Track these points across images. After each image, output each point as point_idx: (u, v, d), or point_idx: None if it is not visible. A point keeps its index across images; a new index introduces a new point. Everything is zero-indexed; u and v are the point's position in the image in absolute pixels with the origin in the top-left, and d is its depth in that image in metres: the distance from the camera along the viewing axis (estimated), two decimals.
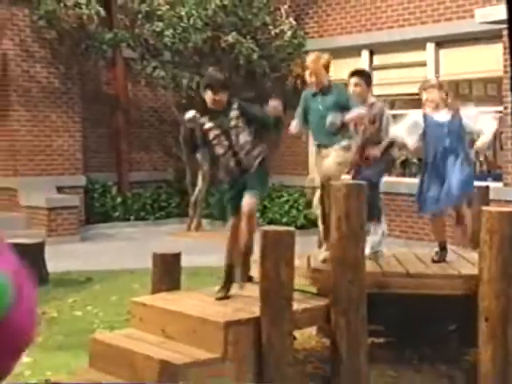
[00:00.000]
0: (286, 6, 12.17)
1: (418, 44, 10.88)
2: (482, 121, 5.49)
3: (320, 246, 5.40)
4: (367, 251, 5.32)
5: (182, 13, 11.17)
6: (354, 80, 5.61)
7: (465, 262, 5.33)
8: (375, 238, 5.56)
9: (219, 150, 4.87)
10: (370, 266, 4.95)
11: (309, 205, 11.45)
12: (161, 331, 4.56)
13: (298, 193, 11.89)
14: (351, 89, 5.59)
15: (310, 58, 5.33)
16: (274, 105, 4.86)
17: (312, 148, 5.47)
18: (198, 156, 11.86)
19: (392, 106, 10.88)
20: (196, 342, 4.33)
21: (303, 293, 4.96)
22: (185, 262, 5.24)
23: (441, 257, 5.38)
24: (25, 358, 4.06)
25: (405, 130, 5.49)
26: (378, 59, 11.25)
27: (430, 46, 10.85)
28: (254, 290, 4.66)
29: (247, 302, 4.70)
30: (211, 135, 4.86)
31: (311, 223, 10.95)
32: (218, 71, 5.08)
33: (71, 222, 11.16)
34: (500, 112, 10.08)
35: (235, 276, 4.93)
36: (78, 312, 6.57)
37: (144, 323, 4.71)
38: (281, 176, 11.93)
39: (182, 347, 4.32)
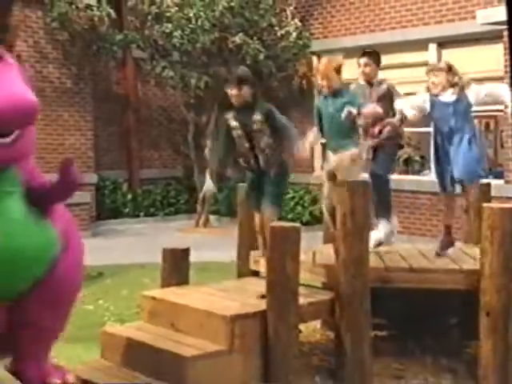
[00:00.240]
0: (291, 8, 12.15)
1: (420, 44, 10.84)
2: (493, 93, 5.35)
3: (326, 242, 5.38)
4: (371, 245, 5.32)
5: (191, 14, 11.17)
6: (363, 60, 5.59)
7: (467, 257, 5.30)
8: (378, 234, 5.53)
9: (240, 149, 4.86)
10: (373, 261, 4.94)
11: (314, 202, 11.47)
12: (170, 324, 4.56)
13: (303, 190, 11.89)
14: (361, 69, 5.56)
15: (321, 62, 5.31)
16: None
17: (318, 147, 5.41)
18: (206, 154, 11.87)
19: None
20: (204, 335, 4.32)
21: (308, 287, 4.94)
22: (193, 257, 5.23)
23: (442, 245, 5.30)
24: None
25: (409, 104, 5.42)
26: (382, 59, 11.19)
27: (433, 47, 10.81)
28: (260, 285, 4.65)
29: (254, 295, 4.70)
30: (234, 134, 4.84)
31: (316, 219, 10.95)
32: (243, 68, 5.04)
33: (83, 218, 11.17)
34: (500, 111, 10.04)
35: None
36: (89, 306, 6.58)
37: (153, 316, 4.71)
38: None
39: (190, 340, 4.32)
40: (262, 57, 11.28)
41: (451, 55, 10.63)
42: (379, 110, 5.19)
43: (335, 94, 5.18)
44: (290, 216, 11.59)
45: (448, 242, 5.39)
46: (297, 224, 4.69)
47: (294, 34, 11.77)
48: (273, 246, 4.36)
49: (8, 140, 3.13)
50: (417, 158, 11.48)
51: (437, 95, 5.28)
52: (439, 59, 10.74)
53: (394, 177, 5.74)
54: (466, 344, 5.29)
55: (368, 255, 4.71)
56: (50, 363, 3.72)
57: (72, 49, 11.81)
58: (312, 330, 5.77)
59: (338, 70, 5.20)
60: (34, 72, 11.38)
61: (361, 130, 5.32)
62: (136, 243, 10.51)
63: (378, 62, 5.69)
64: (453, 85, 5.23)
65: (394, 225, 5.69)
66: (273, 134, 4.77)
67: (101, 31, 11.68)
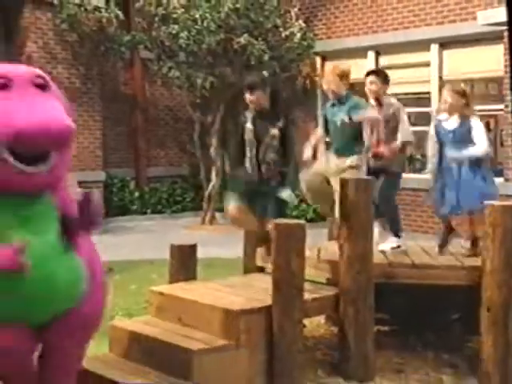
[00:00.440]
0: (295, 9, 12.13)
1: (422, 45, 10.82)
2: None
3: (330, 239, 5.37)
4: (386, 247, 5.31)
5: (197, 16, 11.16)
6: (369, 79, 5.51)
7: None
8: (389, 244, 5.47)
9: (247, 153, 4.84)
10: (377, 257, 4.93)
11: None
12: (177, 319, 4.56)
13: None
14: (367, 87, 5.51)
15: (326, 68, 5.29)
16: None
17: (322, 147, 5.37)
18: (212, 152, 11.87)
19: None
20: (210, 330, 4.33)
21: (313, 283, 4.94)
22: (200, 253, 5.23)
23: (471, 251, 5.19)
24: None
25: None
26: (384, 60, 11.19)
27: (434, 47, 10.79)
28: (266, 281, 4.65)
29: (259, 291, 4.70)
30: (247, 136, 4.82)
31: (320, 217, 10.94)
32: (259, 74, 5.03)
33: None
34: (501, 110, 10.02)
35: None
36: None
37: (161, 311, 4.71)
38: None
39: (197, 334, 4.32)
40: (266, 57, 11.26)
41: (452, 55, 10.64)
42: (379, 116, 5.19)
43: (340, 100, 5.17)
44: (294, 213, 11.58)
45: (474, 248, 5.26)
46: (301, 221, 4.69)
47: (298, 35, 11.75)
48: (278, 243, 4.35)
49: (46, 167, 3.13)
50: (418, 156, 11.45)
51: (441, 122, 5.29)
52: (441, 60, 10.73)
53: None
54: (467, 339, 5.28)
55: (372, 251, 4.70)
56: None
57: (81, 50, 11.82)
58: (316, 324, 5.77)
59: (342, 77, 5.16)
60: (44, 72, 11.38)
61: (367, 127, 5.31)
62: (144, 240, 10.52)
63: (384, 81, 5.54)
64: (462, 112, 5.19)
65: (402, 240, 5.61)
66: (281, 148, 4.75)
67: (109, 32, 11.68)
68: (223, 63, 11.45)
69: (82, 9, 11.45)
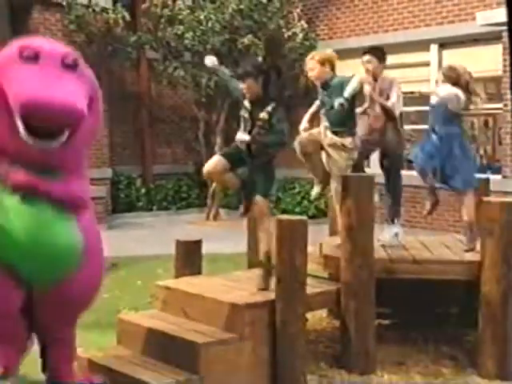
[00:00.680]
0: (298, 10, 12.11)
1: (422, 45, 10.80)
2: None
3: (332, 234, 5.36)
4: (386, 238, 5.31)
5: (202, 17, 11.15)
6: (366, 57, 5.45)
7: None
8: (387, 236, 5.46)
9: (241, 127, 4.75)
10: (378, 252, 4.92)
11: (319, 196, 11.44)
12: (183, 313, 4.56)
13: (309, 185, 11.84)
14: (364, 66, 5.46)
15: (307, 57, 5.24)
16: None
17: (323, 126, 5.29)
18: (217, 150, 11.85)
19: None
20: (215, 323, 4.33)
21: (315, 277, 4.94)
22: (204, 248, 5.23)
23: (470, 242, 5.13)
24: None
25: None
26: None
27: (434, 47, 10.77)
28: None
29: None
30: (242, 111, 4.74)
31: (322, 213, 10.93)
32: (251, 61, 4.94)
33: (99, 211, 11.17)
34: (499, 109, 9.99)
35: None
36: (105, 294, 6.56)
37: (167, 305, 4.71)
38: (293, 169, 11.87)
39: (202, 327, 4.32)
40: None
41: (452, 55, 10.60)
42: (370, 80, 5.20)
43: (325, 85, 5.12)
44: (296, 210, 11.58)
45: (471, 236, 5.19)
46: (304, 217, 4.68)
47: (301, 36, 11.73)
48: (281, 239, 4.35)
49: (55, 144, 3.15)
50: None
51: (432, 96, 5.31)
52: (440, 59, 10.70)
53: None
54: (467, 333, 5.27)
55: (373, 247, 4.70)
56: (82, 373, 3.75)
57: (88, 50, 11.78)
58: (318, 318, 5.77)
59: (324, 63, 5.06)
60: None
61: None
62: (150, 235, 10.52)
63: (380, 58, 5.48)
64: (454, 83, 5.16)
65: (398, 226, 5.60)
66: (269, 130, 4.67)
67: (116, 33, 11.66)
68: (228, 63, 11.41)
69: (90, 10, 11.44)
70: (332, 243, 5.24)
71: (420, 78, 10.87)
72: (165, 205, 13.04)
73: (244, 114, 4.73)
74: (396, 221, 5.55)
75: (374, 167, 6.49)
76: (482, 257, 4.63)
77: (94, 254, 3.52)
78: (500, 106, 9.95)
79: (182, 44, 11.32)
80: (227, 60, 11.38)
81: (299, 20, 11.92)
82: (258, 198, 4.61)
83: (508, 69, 9.29)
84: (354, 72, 5.24)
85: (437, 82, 5.39)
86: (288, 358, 4.32)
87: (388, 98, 5.38)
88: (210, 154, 11.99)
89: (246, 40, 11.05)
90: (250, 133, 4.67)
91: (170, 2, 11.46)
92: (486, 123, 10.63)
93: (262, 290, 4.58)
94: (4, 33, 8.90)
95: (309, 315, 5.03)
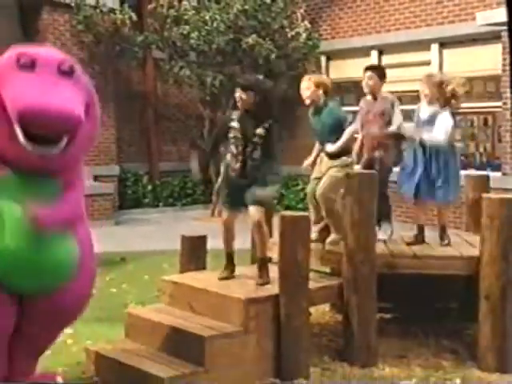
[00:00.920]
0: (301, 10, 12.07)
1: (423, 45, 10.76)
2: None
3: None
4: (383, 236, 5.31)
5: (207, 17, 11.13)
6: (368, 74, 5.47)
7: (467, 244, 5.27)
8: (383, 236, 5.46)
9: (232, 150, 4.77)
10: (379, 248, 4.92)
11: None
12: (189, 307, 4.57)
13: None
14: (365, 81, 5.49)
15: (303, 79, 5.29)
16: None
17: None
18: (221, 148, 11.84)
19: (399, 102, 10.76)
20: (220, 317, 4.33)
21: (318, 272, 4.94)
22: (209, 244, 5.24)
23: (416, 239, 5.29)
24: (67, 329, 4.09)
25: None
26: (387, 59, 11.12)
27: (435, 47, 10.73)
28: (272, 270, 4.65)
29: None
30: (232, 134, 4.77)
31: None
32: (257, 77, 4.95)
33: (106, 207, 11.21)
34: (499, 107, 9.96)
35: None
36: (113, 289, 6.61)
37: (173, 299, 4.72)
38: (296, 167, 11.86)
39: (207, 321, 4.33)
40: (273, 57, 11.24)
41: (452, 55, 10.57)
42: (352, 129, 5.22)
43: (318, 110, 5.21)
44: (299, 206, 11.58)
45: (421, 237, 5.33)
46: (306, 213, 4.68)
47: (304, 35, 11.69)
48: (284, 234, 4.35)
49: (55, 151, 3.15)
50: None
51: (419, 111, 5.30)
52: (441, 59, 10.67)
53: (396, 170, 5.65)
54: (466, 326, 5.27)
55: (374, 243, 4.69)
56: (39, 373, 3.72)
57: (96, 50, 11.81)
58: (321, 312, 5.77)
59: (319, 86, 5.15)
60: None
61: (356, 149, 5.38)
62: (156, 231, 10.53)
63: (381, 76, 5.51)
64: (439, 101, 5.17)
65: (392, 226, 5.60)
66: (266, 148, 4.65)
67: (123, 33, 11.66)
68: (232, 62, 11.42)
69: (98, 11, 11.44)
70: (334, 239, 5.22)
71: (421, 77, 10.83)
72: (171, 201, 13.05)
73: (235, 134, 4.71)
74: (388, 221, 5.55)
75: None
76: (481, 252, 4.62)
77: (87, 264, 3.53)
78: (499, 104, 9.92)
79: (187, 44, 11.31)
80: (232, 59, 11.40)
81: (302, 20, 11.88)
82: (251, 208, 4.62)
83: (507, 68, 9.26)
84: (356, 71, 5.25)
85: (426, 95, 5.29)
86: (292, 351, 4.33)
87: (389, 119, 5.37)
88: (215, 152, 12.11)
89: (250, 40, 11.03)
90: (243, 151, 4.65)
91: (175, 3, 11.44)
92: (485, 121, 10.60)
93: (261, 285, 4.60)
94: (15, 33, 8.91)
95: (312, 309, 5.04)
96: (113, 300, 6.13)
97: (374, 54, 11.36)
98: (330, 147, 5.17)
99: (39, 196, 3.26)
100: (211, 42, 11.12)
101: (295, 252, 4.30)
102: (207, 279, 4.80)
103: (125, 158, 12.71)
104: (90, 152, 11.96)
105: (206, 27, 11.10)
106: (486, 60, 10.03)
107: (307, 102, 5.25)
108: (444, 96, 5.16)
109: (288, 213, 4.70)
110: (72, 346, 4.80)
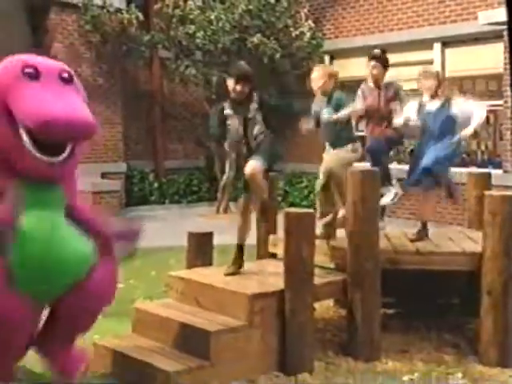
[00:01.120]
0: (305, 10, 12.06)
1: (425, 44, 10.73)
2: (470, 110, 5.26)
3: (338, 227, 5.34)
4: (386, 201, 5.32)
5: (212, 17, 11.12)
6: (372, 63, 5.50)
7: (470, 240, 5.26)
8: (388, 197, 5.49)
9: (234, 137, 4.79)
10: (383, 244, 4.91)
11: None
12: (195, 302, 4.57)
13: (315, 179, 11.83)
14: (369, 70, 5.50)
15: (315, 69, 5.31)
16: None
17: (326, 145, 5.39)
18: (226, 146, 11.83)
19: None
20: (226, 312, 4.34)
21: (323, 268, 4.94)
22: (215, 240, 5.23)
23: (419, 235, 5.27)
24: None
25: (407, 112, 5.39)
26: (390, 58, 11.07)
27: (437, 46, 10.70)
28: (278, 266, 4.66)
29: (272, 276, 4.70)
30: (229, 121, 4.77)
31: None
32: (246, 65, 4.91)
33: (113, 204, 11.23)
34: (500, 105, 9.93)
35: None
36: (121, 284, 6.59)
37: (180, 295, 4.73)
38: (300, 164, 11.89)
39: (213, 316, 4.33)
40: (278, 56, 11.23)
41: (454, 54, 10.54)
42: (356, 107, 5.26)
43: (328, 97, 5.20)
44: (303, 203, 11.57)
45: (424, 233, 5.33)
46: (311, 210, 4.68)
47: (308, 35, 11.68)
48: (289, 231, 4.35)
49: (61, 158, 3.16)
50: None
51: (423, 104, 5.29)
52: (443, 58, 10.64)
53: (401, 167, 5.67)
54: (468, 321, 5.26)
55: (378, 239, 4.69)
56: (76, 350, 3.76)
57: (104, 49, 11.82)
58: (326, 307, 5.77)
59: (331, 77, 5.19)
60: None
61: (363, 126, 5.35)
62: (162, 228, 10.53)
63: (385, 64, 5.55)
64: (438, 93, 5.19)
65: (396, 187, 5.61)
66: (266, 119, 4.68)
67: (130, 33, 11.67)
68: (237, 61, 11.41)
69: (105, 11, 11.45)
70: (338, 235, 5.22)
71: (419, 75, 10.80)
72: (176, 198, 13.06)
73: (232, 119, 4.70)
74: (393, 182, 5.56)
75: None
76: (483, 248, 4.61)
77: (108, 252, 3.56)
78: (501, 102, 9.89)
79: (193, 43, 11.31)
80: (237, 59, 11.38)
81: (306, 19, 11.87)
82: (251, 162, 4.59)
83: (508, 67, 9.23)
84: (360, 70, 5.25)
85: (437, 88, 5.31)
86: (296, 346, 4.33)
87: (392, 105, 5.39)
88: (220, 150, 12.12)
89: (255, 39, 11.03)
90: (245, 132, 4.66)
91: (181, 3, 11.43)
92: (487, 119, 10.57)
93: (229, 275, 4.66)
94: (24, 34, 8.92)
95: (316, 305, 5.03)
96: (120, 295, 6.06)
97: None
98: (327, 115, 5.13)
99: (49, 202, 3.27)
100: (216, 41, 11.11)
101: (300, 248, 4.30)
102: (214, 275, 4.80)
103: (131, 156, 12.73)
104: (98, 149, 12.09)
105: (212, 27, 11.09)
106: (488, 59, 10.00)
107: (317, 91, 5.25)
108: (442, 85, 5.21)
109: (293, 210, 4.70)
110: (80, 340, 4.80)
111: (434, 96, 5.29)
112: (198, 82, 11.67)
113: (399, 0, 11.22)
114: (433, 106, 5.29)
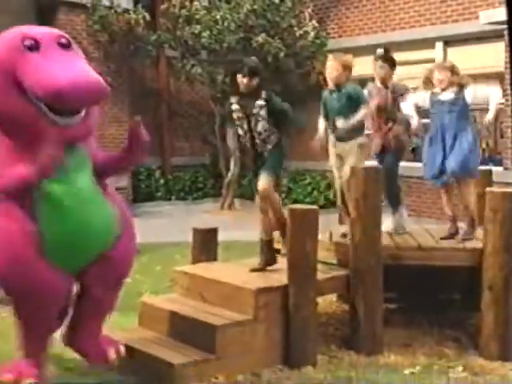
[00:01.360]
0: (309, 10, 12.02)
1: (427, 43, 10.69)
2: (485, 94, 5.17)
3: (340, 223, 5.33)
4: (390, 228, 5.26)
5: (218, 17, 11.10)
6: (379, 63, 5.42)
7: None
8: (398, 220, 5.42)
9: (239, 131, 4.77)
10: (385, 240, 4.90)
11: (329, 187, 11.41)
12: (200, 297, 4.57)
13: (319, 176, 11.83)
14: (376, 71, 5.43)
15: (330, 58, 5.20)
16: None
17: (331, 137, 5.30)
18: (230, 143, 11.83)
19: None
20: (231, 306, 4.33)
21: (325, 264, 4.92)
22: (219, 236, 5.22)
23: (450, 232, 5.18)
24: None
25: (410, 110, 5.32)
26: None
27: (439, 45, 10.66)
28: (282, 262, 4.64)
29: (276, 271, 4.69)
30: (235, 116, 4.75)
31: (331, 203, 10.89)
32: (256, 60, 4.86)
33: None
34: (501, 104, 9.89)
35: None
36: (127, 279, 6.60)
37: (185, 289, 4.72)
38: (303, 162, 11.86)
39: (218, 310, 4.33)
40: (282, 55, 11.20)
41: (456, 53, 10.49)
42: (367, 110, 5.14)
43: (338, 88, 5.08)
44: (307, 200, 11.56)
45: (453, 229, 5.23)
46: (314, 206, 4.66)
47: (312, 34, 11.65)
48: (293, 227, 4.34)
49: (78, 119, 3.16)
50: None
51: (436, 94, 5.19)
52: (445, 57, 10.59)
53: (403, 164, 5.63)
54: (469, 316, 5.24)
55: (380, 235, 4.67)
56: (103, 335, 3.75)
57: (111, 49, 11.82)
58: (329, 302, 5.76)
59: (346, 68, 5.05)
60: None
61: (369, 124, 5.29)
62: (168, 224, 10.54)
63: (391, 64, 5.45)
64: (453, 84, 5.13)
65: (402, 214, 5.54)
66: (271, 118, 4.61)
67: (137, 33, 11.66)
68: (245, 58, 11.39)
69: (113, 11, 11.44)
70: (341, 231, 5.21)
71: (432, 67, 10.75)
72: (182, 195, 13.06)
73: (237, 114, 4.67)
74: (401, 208, 5.51)
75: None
76: (485, 244, 4.59)
77: (126, 218, 3.59)
78: (502, 101, 9.84)
79: (199, 42, 11.29)
80: (242, 57, 11.36)
81: (310, 19, 11.83)
82: (262, 178, 4.58)
83: (509, 66, 9.18)
84: (364, 68, 5.22)
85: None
86: (300, 340, 4.32)
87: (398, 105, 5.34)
88: (225, 147, 12.12)
89: (259, 38, 11.00)
90: (249, 127, 4.64)
91: (187, 3, 11.42)
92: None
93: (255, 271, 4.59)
94: None
95: (319, 299, 5.02)
96: (127, 289, 6.08)
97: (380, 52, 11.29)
98: (342, 123, 5.03)
99: (76, 166, 3.28)
100: (222, 40, 11.09)
101: (304, 244, 4.29)
102: (218, 270, 4.79)
103: None
104: (105, 147, 12.04)
105: (217, 26, 11.07)
106: (490, 58, 9.95)
107: (331, 82, 5.12)
108: (457, 78, 5.11)
109: (297, 206, 4.68)
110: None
111: (445, 88, 5.16)
112: (204, 80, 11.66)
113: (401, 0, 11.18)
114: (446, 96, 5.14)
